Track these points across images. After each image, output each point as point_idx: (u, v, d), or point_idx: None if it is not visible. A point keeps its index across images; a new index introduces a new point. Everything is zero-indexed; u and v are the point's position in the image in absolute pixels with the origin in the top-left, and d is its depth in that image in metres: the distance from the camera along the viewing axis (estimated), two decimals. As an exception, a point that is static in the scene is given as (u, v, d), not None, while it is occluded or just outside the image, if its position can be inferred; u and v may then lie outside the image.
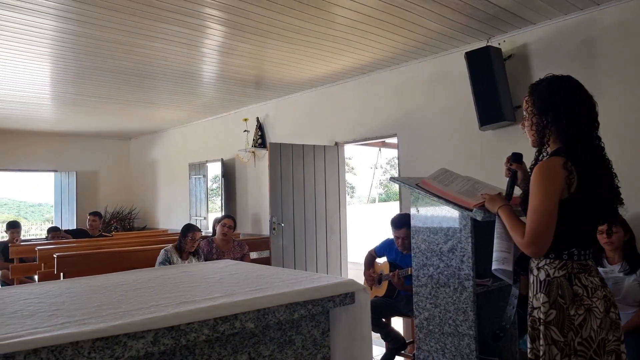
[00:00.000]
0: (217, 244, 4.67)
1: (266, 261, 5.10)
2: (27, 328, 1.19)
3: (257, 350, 1.72)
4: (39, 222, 18.61)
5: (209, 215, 7.44)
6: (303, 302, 1.73)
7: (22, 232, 6.69)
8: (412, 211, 2.57)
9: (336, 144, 5.58)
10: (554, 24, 3.71)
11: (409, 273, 3.44)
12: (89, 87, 5.46)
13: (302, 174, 5.37)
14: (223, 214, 6.79)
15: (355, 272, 5.55)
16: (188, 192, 7.84)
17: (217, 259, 4.48)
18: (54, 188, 9.15)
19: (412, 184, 2.48)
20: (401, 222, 3.60)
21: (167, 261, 4.17)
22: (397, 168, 4.98)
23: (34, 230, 15.12)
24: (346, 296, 1.89)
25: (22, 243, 6.06)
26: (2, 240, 6.83)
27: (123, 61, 4.51)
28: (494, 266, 1.95)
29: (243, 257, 4.65)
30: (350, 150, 6.56)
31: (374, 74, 5.05)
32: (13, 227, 6.41)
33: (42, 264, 4.73)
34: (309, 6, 3.32)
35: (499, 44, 3.96)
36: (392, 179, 2.72)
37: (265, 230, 6.25)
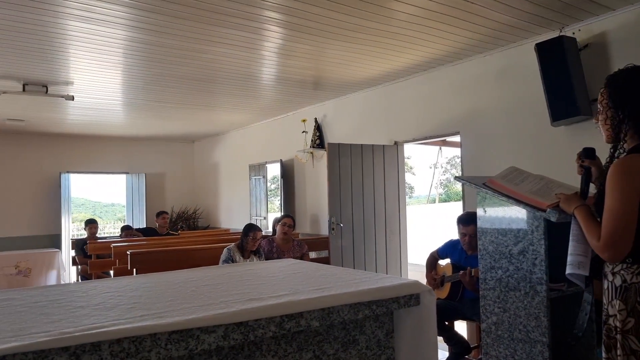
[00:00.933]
0: (278, 243, 4.75)
1: (325, 261, 5.11)
2: (110, 319, 1.26)
3: (322, 349, 1.72)
4: (112, 220, 19.80)
5: (269, 215, 7.59)
6: (367, 302, 1.72)
7: (97, 230, 7.17)
8: (479, 212, 2.48)
9: (395, 143, 5.50)
10: (636, 9, 3.44)
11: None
12: (157, 92, 5.73)
13: (360, 174, 5.35)
14: (282, 214, 6.91)
15: (416, 274, 5.44)
16: (248, 193, 8.05)
17: (277, 257, 4.56)
18: (125, 189, 9.70)
19: (479, 183, 2.39)
20: (469, 219, 3.49)
21: (230, 259, 4.30)
22: (460, 167, 4.83)
23: (108, 229, 16.09)
24: (411, 298, 1.86)
25: (98, 240, 6.49)
26: (81, 237, 7.34)
27: (188, 67, 4.69)
28: (568, 270, 1.85)
29: (302, 257, 4.71)
30: (409, 150, 6.45)
31: (435, 71, 4.93)
32: (91, 222, 6.94)
33: (117, 260, 5.03)
34: (369, 3, 3.29)
35: (574, 33, 3.73)
36: (457, 178, 2.64)
37: (324, 231, 6.28)
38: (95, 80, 5.08)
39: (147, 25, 3.60)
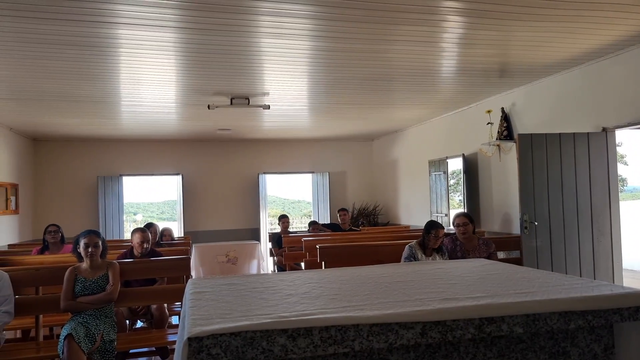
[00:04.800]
0: (461, 241, 4.56)
1: (516, 262, 4.71)
2: (317, 307, 1.37)
3: (526, 358, 1.59)
4: (298, 216, 21.70)
5: (450, 212, 7.34)
6: (581, 311, 1.54)
7: (289, 225, 7.91)
8: None
9: (604, 129, 4.75)
10: None
11: None
12: (338, 95, 6.05)
13: (558, 166, 4.78)
14: (465, 211, 6.61)
15: (633, 282, 4.65)
16: (428, 189, 7.92)
17: (461, 257, 4.38)
18: (311, 187, 10.50)
19: None
20: None
21: (412, 257, 4.27)
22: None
23: (295, 224, 17.71)
24: (637, 310, 1.60)
25: (290, 234, 7.16)
26: (276, 232, 8.20)
27: (367, 68, 4.83)
28: None
29: (489, 256, 4.43)
30: (620, 135, 5.54)
31: (659, 39, 4.11)
32: (284, 217, 7.71)
33: (307, 253, 5.45)
34: (567, -25, 2.91)
35: None
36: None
37: (514, 229, 5.81)
38: (286, 89, 5.61)
39: (329, 34, 3.82)
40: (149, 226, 5.60)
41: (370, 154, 10.75)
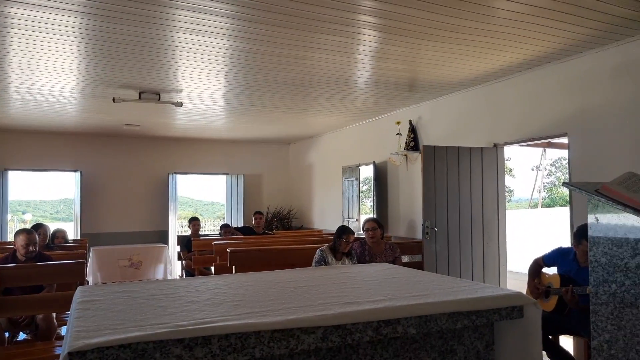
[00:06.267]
0: (369, 245, 4.73)
1: (418, 265, 5.01)
2: (218, 315, 1.35)
3: (418, 357, 1.69)
4: (212, 218, 21.14)
5: (361, 217, 7.61)
6: (466, 312, 1.67)
7: (200, 228, 7.66)
8: (590, 220, 2.26)
9: (495, 145, 5.23)
10: None
11: (588, 292, 3.05)
12: (256, 97, 6.02)
13: (457, 177, 5.16)
14: (374, 216, 6.88)
15: (516, 282, 5.14)
16: (341, 194, 8.13)
17: (369, 260, 4.54)
18: (225, 189, 10.30)
19: (591, 189, 2.18)
20: (580, 234, 3.22)
21: (323, 261, 4.36)
22: (567, 171, 4.47)
23: (208, 226, 17.23)
24: (513, 309, 1.78)
25: (200, 238, 6.95)
26: (186, 234, 7.92)
27: (285, 72, 4.86)
28: None
29: (395, 260, 4.64)
30: (509, 151, 6.08)
31: (540, 69, 4.61)
32: (195, 220, 7.46)
33: (218, 257, 5.33)
34: (467, 2, 3.17)
35: None
36: (566, 184, 2.44)
37: (418, 234, 6.16)
38: (201, 87, 5.46)
39: (248, 35, 3.79)
40: (37, 227, 5.09)
41: (287, 157, 10.80)
